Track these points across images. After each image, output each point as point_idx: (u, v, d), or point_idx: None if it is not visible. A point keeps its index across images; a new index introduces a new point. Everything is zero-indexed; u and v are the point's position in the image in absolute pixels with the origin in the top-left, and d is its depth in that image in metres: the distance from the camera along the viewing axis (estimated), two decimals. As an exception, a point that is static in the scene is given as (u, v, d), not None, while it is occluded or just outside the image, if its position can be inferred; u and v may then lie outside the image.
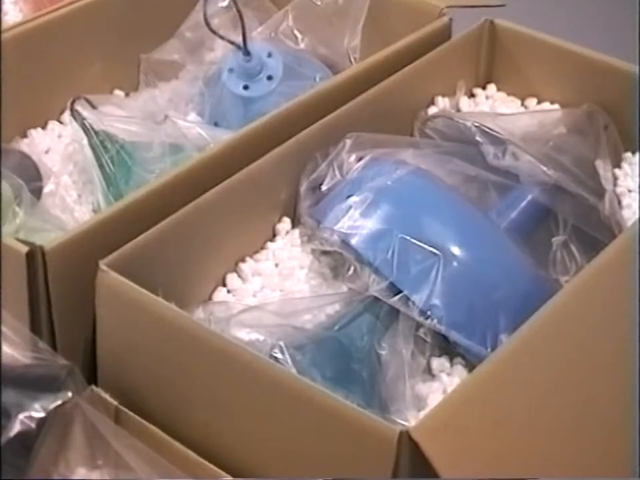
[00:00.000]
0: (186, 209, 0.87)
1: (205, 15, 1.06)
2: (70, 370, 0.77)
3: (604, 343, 0.81)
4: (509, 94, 1.14)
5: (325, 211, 0.92)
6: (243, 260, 0.94)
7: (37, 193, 0.97)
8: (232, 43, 1.05)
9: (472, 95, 1.14)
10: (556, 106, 1.10)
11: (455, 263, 0.85)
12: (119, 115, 1.03)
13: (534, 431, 0.75)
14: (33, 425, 0.73)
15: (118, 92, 1.13)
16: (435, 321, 0.83)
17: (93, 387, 0.80)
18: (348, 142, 0.96)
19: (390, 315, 0.85)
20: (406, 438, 0.69)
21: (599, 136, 1.02)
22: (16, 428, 0.72)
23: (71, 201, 0.99)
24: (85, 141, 0.99)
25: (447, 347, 0.86)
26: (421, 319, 0.84)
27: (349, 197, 0.90)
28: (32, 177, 0.97)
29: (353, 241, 0.88)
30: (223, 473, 0.76)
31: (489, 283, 0.87)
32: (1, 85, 0.95)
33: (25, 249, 0.80)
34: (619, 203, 1.00)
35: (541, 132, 1.01)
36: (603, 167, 0.97)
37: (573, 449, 0.77)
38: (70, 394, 0.75)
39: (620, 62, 1.06)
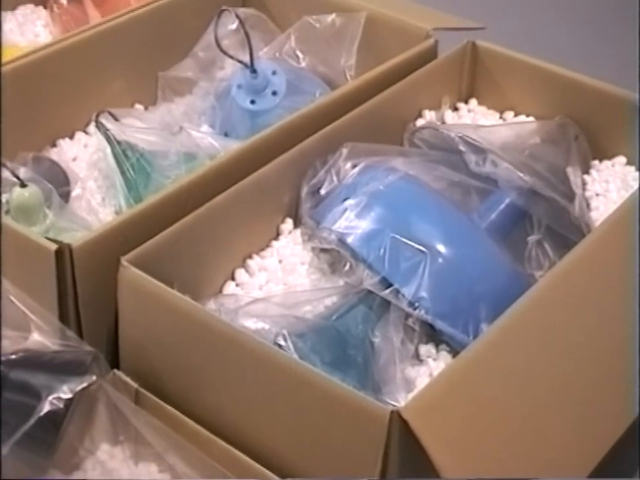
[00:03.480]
0: (199, 211, 0.87)
1: (216, 36, 1.06)
2: (94, 356, 0.77)
3: (575, 331, 0.81)
4: (488, 108, 1.13)
5: (324, 213, 0.92)
6: (250, 257, 0.94)
7: (65, 196, 0.96)
8: (240, 61, 1.05)
9: (455, 109, 1.13)
10: (531, 118, 1.10)
11: (440, 260, 0.85)
12: (138, 127, 1.03)
13: (512, 410, 0.75)
14: (61, 405, 0.73)
15: (138, 106, 1.13)
16: (423, 311, 0.83)
17: (115, 371, 0.80)
18: (344, 151, 0.95)
19: (382, 306, 0.85)
20: (396, 417, 0.68)
21: (570, 145, 1.02)
22: (46, 408, 0.72)
23: (96, 204, 0.99)
24: (109, 150, 0.99)
25: (433, 335, 0.86)
26: (409, 310, 0.83)
27: (345, 200, 0.90)
28: (61, 182, 0.97)
29: (349, 240, 0.87)
30: (232, 448, 0.76)
31: (471, 278, 0.86)
32: (0, 95, 0.94)
33: (54, 246, 0.80)
34: (588, 205, 1.00)
35: (518, 142, 1.01)
36: (573, 173, 0.97)
37: (546, 425, 0.77)
38: (94, 377, 0.75)
39: (588, 79, 1.06)
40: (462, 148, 0.97)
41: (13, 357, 0.75)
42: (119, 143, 0.98)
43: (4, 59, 1.00)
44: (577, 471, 0.77)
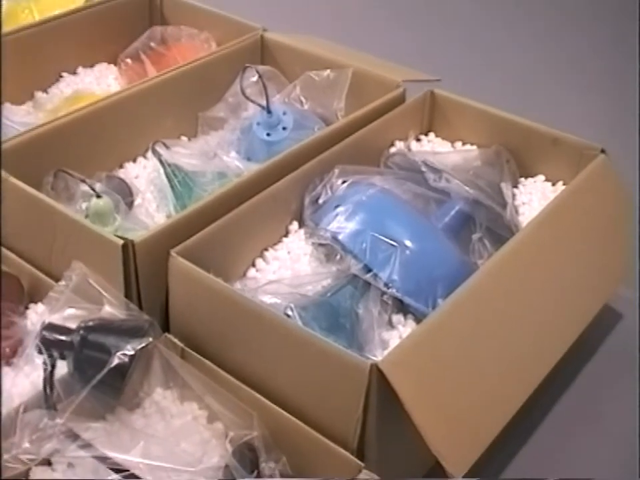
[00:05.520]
0: (228, 215, 0.86)
1: (241, 86, 1.05)
2: (151, 323, 0.76)
3: (507, 305, 0.81)
4: (443, 139, 1.12)
5: (321, 217, 0.91)
6: (266, 249, 0.93)
7: (130, 205, 0.96)
8: (259, 105, 1.04)
9: (419, 140, 1.13)
10: (474, 147, 1.09)
11: (407, 252, 0.84)
12: (184, 153, 1.02)
13: (461, 360, 0.75)
14: (127, 360, 0.72)
15: (183, 137, 1.12)
16: (394, 290, 0.83)
17: (166, 334, 0.80)
18: (336, 171, 0.95)
19: (364, 286, 0.84)
20: (375, 369, 0.68)
21: (503, 167, 1.01)
22: (115, 362, 0.71)
23: (152, 210, 0.98)
24: (162, 170, 0.98)
25: (402, 308, 0.85)
26: (385, 289, 0.83)
27: (336, 207, 0.90)
28: (126, 194, 0.96)
29: (340, 237, 0.87)
30: (254, 392, 0.75)
31: (430, 265, 0.86)
32: None
33: (121, 242, 0.80)
34: (517, 211, 0.99)
35: (464, 164, 1.00)
36: (506, 187, 0.97)
37: (486, 377, 0.77)
38: (151, 339, 0.74)
39: (517, 117, 1.04)
40: (423, 169, 0.96)
41: (91, 323, 0.74)
42: (169, 165, 0.98)
43: (85, 104, 1.00)
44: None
